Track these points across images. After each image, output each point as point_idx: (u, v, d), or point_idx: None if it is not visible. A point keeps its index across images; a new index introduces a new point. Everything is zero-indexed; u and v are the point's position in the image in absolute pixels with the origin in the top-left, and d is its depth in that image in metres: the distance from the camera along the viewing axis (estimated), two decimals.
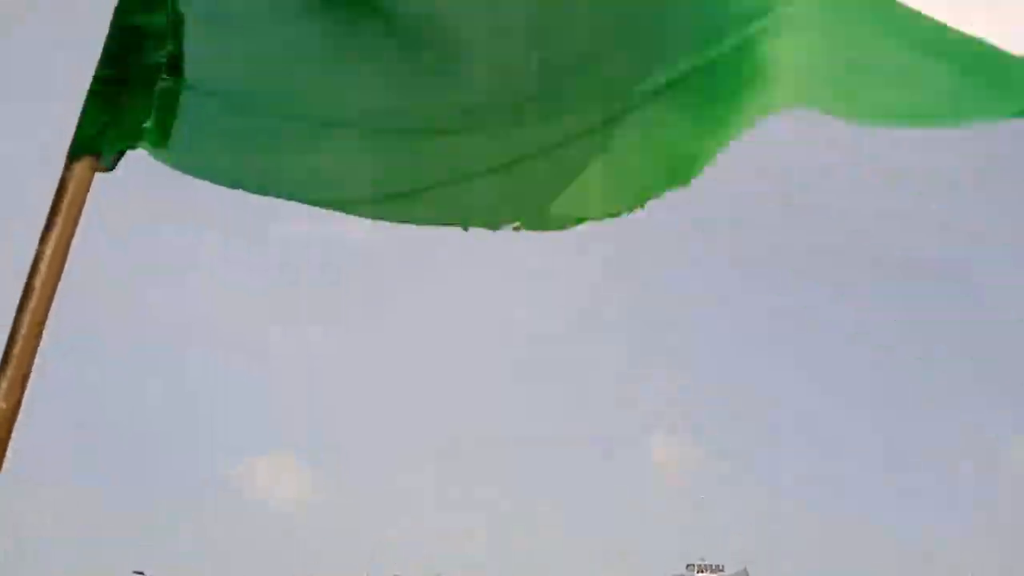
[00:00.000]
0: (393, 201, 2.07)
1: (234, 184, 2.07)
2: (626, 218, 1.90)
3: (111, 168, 2.00)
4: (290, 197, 2.07)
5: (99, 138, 1.99)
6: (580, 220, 1.91)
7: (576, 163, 1.88)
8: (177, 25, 2.04)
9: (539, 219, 1.94)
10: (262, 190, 2.09)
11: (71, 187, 1.94)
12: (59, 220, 1.92)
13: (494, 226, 1.95)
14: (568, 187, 1.91)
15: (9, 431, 1.80)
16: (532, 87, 1.92)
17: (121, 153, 2.01)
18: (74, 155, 1.97)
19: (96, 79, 2.01)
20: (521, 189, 1.97)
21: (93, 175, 1.97)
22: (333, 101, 2.07)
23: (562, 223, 1.92)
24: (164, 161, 2.04)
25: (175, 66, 2.03)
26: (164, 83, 2.02)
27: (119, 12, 2.04)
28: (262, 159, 2.10)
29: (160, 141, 2.02)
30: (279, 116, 2.06)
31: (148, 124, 2.00)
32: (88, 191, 1.96)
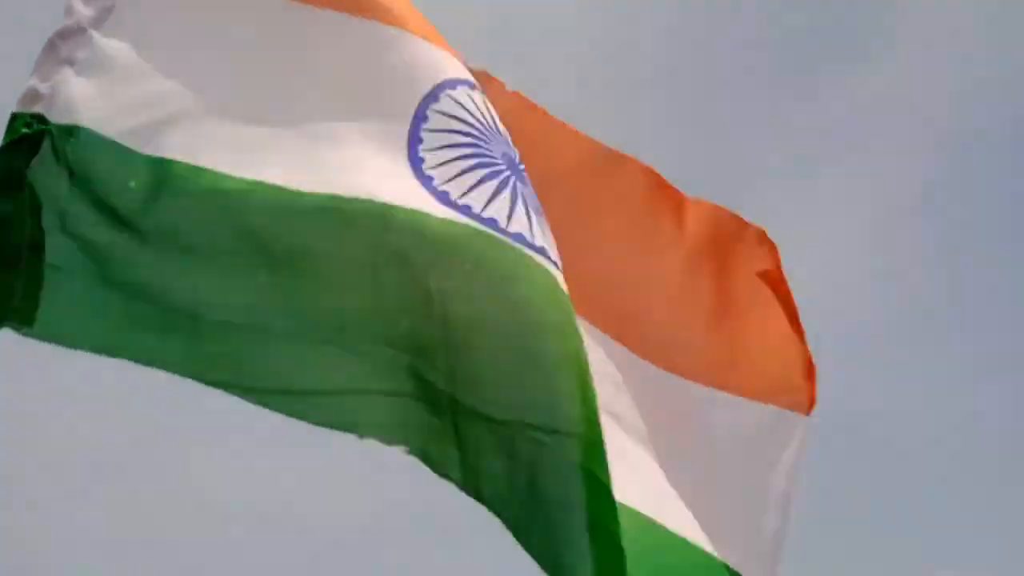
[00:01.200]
0: (285, 396, 2.13)
1: (116, 354, 2.09)
2: None
3: None
4: (180, 374, 2.09)
5: None
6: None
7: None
8: (36, 209, 2.09)
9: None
10: (150, 363, 2.10)
11: None
12: None
13: (387, 442, 2.09)
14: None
15: None
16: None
17: None
18: None
19: None
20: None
21: None
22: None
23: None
24: (34, 337, 2.06)
25: (37, 248, 2.07)
26: (29, 264, 2.06)
27: None
28: (146, 337, 2.11)
29: (28, 319, 2.04)
30: (158, 305, 2.09)
31: (14, 304, 2.03)
32: None
